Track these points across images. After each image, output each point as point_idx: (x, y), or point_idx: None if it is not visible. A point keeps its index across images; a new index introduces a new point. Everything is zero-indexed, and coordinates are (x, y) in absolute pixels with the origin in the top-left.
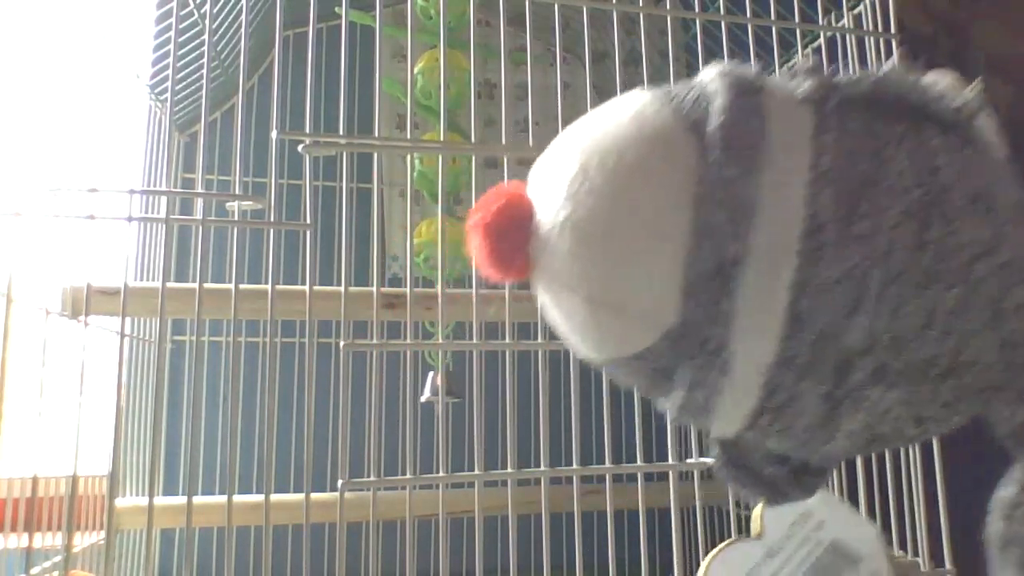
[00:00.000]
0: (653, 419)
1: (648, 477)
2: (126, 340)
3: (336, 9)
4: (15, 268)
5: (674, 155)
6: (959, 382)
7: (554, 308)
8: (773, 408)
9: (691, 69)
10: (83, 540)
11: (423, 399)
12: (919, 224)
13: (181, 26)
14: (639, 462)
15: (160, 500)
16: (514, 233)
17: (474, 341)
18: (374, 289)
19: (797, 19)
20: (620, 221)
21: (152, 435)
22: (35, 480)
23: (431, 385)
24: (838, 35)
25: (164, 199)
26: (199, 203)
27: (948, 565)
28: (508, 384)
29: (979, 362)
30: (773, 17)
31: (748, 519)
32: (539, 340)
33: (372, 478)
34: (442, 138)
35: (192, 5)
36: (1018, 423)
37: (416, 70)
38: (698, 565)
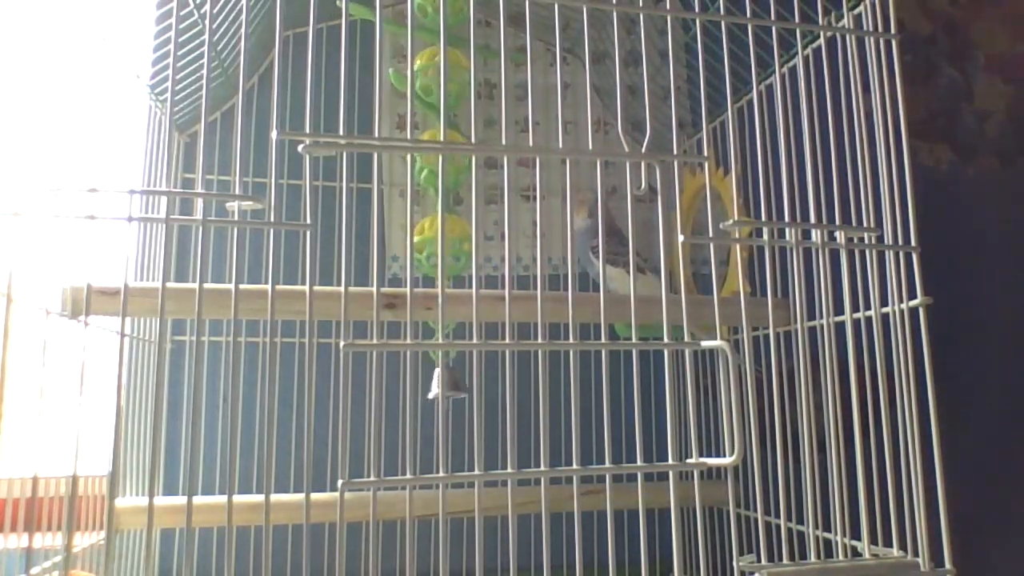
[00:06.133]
0: (653, 419)
1: (648, 477)
2: (126, 340)
3: (337, 2)
4: (15, 268)
5: None
6: None
7: None
8: None
9: (691, 69)
10: (83, 540)
11: (431, 395)
12: None
13: (181, 26)
14: (639, 462)
15: (160, 500)
16: None
17: (474, 341)
18: (374, 289)
19: (797, 19)
20: None
21: (152, 435)
22: (35, 480)
23: (438, 380)
24: (838, 35)
25: (164, 199)
26: (199, 203)
27: (948, 565)
28: (508, 384)
29: None
30: (773, 17)
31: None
32: (539, 340)
33: (372, 478)
34: (442, 138)
35: (192, 5)
36: None
37: (416, 68)
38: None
